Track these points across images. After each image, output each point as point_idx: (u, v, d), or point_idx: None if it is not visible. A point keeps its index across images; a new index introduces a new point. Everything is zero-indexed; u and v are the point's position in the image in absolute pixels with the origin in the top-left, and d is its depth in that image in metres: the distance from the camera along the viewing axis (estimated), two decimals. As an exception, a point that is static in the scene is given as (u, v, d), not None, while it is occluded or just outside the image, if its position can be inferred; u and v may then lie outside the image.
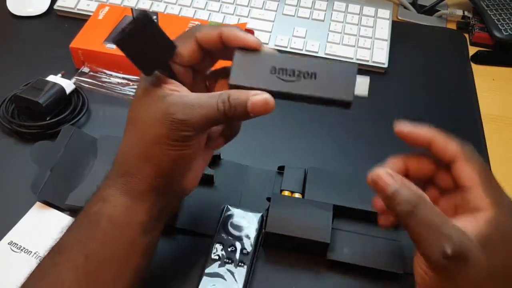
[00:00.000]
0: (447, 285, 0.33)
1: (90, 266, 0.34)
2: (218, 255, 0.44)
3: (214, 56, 0.38)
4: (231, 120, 0.35)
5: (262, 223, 0.47)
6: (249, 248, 0.45)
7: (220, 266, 0.43)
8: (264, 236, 0.45)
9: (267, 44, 0.66)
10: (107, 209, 0.35)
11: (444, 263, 0.31)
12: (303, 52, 0.66)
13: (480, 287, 0.32)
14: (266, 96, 0.34)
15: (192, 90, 0.36)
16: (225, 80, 0.37)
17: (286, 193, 0.49)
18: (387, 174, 0.34)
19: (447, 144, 0.36)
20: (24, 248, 0.45)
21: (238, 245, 0.45)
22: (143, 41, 0.33)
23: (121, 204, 0.35)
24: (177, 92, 0.34)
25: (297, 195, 0.49)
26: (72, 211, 0.47)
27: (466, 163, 0.36)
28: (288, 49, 0.66)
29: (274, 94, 0.35)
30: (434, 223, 0.32)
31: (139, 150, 0.35)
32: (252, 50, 0.36)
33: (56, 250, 0.35)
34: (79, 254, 0.34)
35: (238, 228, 0.46)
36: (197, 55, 0.36)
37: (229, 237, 0.45)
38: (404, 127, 0.37)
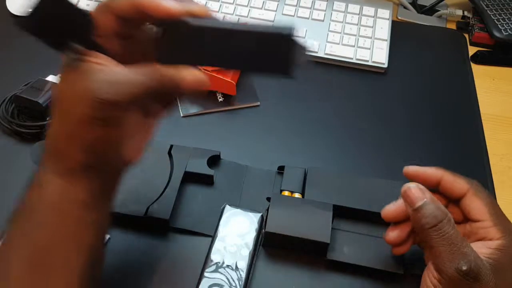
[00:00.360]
0: None
1: (38, 256, 0.33)
2: (218, 255, 0.44)
3: (138, 22, 0.35)
4: (162, 96, 0.34)
5: (262, 223, 0.47)
6: (249, 248, 0.45)
7: (220, 266, 0.43)
8: (264, 236, 0.45)
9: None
10: (44, 194, 0.34)
11: (458, 278, 0.35)
12: (303, 52, 0.66)
13: None
14: (199, 74, 0.33)
15: (126, 59, 0.34)
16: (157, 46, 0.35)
17: (286, 193, 0.49)
18: (418, 188, 0.38)
19: (455, 182, 0.40)
20: (24, 248, 0.45)
21: (238, 245, 0.45)
22: (52, 19, 0.31)
23: (56, 186, 0.34)
24: (103, 67, 0.32)
25: (297, 195, 0.49)
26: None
27: (474, 198, 0.39)
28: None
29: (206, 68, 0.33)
30: (455, 240, 0.36)
31: (65, 130, 0.33)
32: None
33: (4, 246, 0.34)
34: (26, 245, 0.33)
35: (238, 228, 0.46)
36: (117, 25, 0.34)
37: (229, 237, 0.45)
38: (413, 170, 0.41)
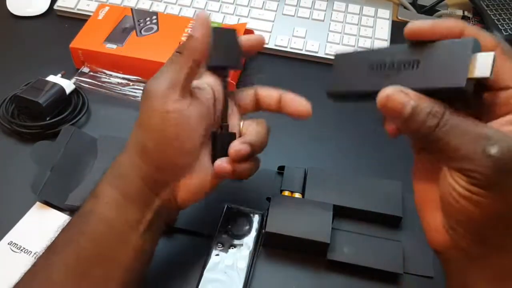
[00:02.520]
0: (499, 204, 0.27)
1: (81, 266, 0.33)
2: (218, 255, 0.44)
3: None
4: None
5: (262, 223, 0.47)
6: (249, 248, 0.45)
7: (220, 266, 0.43)
8: (264, 236, 0.45)
9: (267, 44, 0.66)
10: (99, 207, 0.34)
11: (494, 166, 0.26)
12: (303, 52, 0.66)
13: None
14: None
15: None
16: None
17: (286, 193, 0.49)
18: (399, 91, 0.29)
19: (480, 36, 0.29)
20: (24, 248, 0.45)
21: (238, 245, 0.45)
22: None
23: (112, 200, 0.34)
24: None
25: (297, 195, 0.49)
26: (72, 211, 0.47)
27: (504, 57, 0.29)
28: (288, 49, 0.66)
29: (372, 94, 0.30)
30: (467, 126, 0.28)
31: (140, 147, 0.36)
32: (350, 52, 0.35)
33: (50, 250, 0.34)
34: (71, 253, 0.33)
35: (238, 228, 0.46)
36: (252, 108, 0.42)
37: (229, 237, 0.45)
38: (427, 25, 0.30)
